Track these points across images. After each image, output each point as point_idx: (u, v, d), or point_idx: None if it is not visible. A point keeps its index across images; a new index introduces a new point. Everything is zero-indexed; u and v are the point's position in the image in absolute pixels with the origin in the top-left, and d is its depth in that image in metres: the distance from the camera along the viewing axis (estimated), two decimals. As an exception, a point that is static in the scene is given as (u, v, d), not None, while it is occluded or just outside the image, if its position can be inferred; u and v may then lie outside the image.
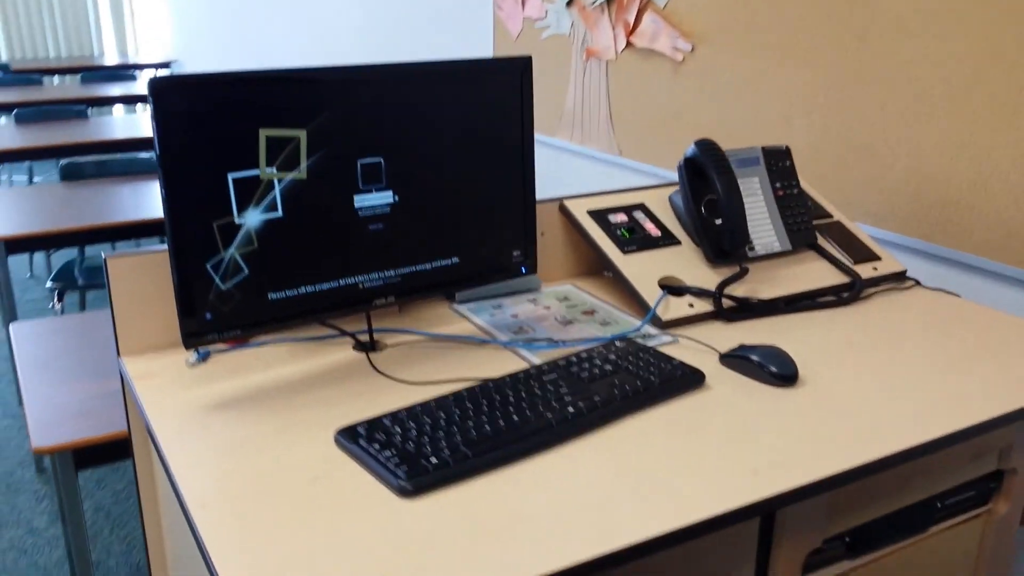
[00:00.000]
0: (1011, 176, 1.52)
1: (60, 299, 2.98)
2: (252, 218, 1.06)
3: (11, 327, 1.83)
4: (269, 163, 1.05)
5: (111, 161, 3.07)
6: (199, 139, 1.01)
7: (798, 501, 0.95)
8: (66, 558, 2.32)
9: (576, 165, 2.70)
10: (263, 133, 1.04)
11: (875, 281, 1.46)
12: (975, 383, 1.15)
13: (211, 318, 1.06)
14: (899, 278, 1.49)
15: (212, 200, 1.03)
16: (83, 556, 1.51)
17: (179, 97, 0.99)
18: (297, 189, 1.08)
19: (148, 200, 2.77)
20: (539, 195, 2.85)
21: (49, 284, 2.95)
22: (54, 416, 1.46)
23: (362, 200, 1.12)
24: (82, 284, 2.92)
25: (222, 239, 1.05)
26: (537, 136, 2.84)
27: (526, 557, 0.81)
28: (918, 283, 1.49)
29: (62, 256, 4.19)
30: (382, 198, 1.14)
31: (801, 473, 0.95)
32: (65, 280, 2.95)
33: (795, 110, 1.90)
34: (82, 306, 3.38)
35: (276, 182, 1.06)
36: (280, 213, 1.07)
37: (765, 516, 1.00)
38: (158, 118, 0.99)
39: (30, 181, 4.98)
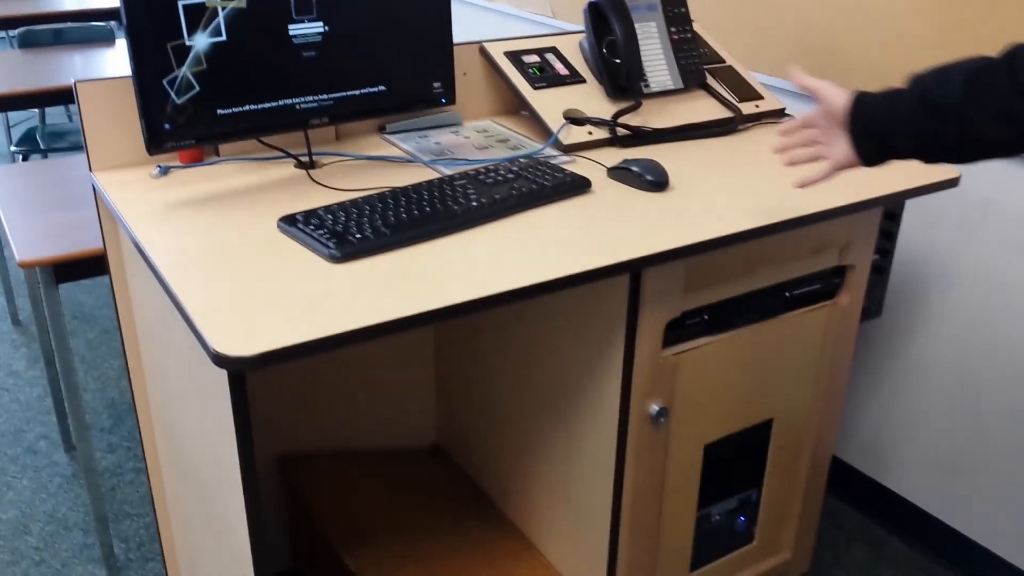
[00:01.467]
0: (880, 24, 1.72)
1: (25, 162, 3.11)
2: (200, 41, 1.23)
3: (-15, 171, 1.99)
4: (214, -8, 1.22)
5: (68, 30, 3.16)
6: (152, -31, 1.17)
7: (659, 264, 1.18)
8: (47, 394, 2.54)
9: (514, 29, 2.85)
10: (208, -35, 1.20)
11: (755, 116, 1.67)
12: (817, 189, 1.38)
13: (169, 128, 1.25)
14: (778, 114, 1.70)
15: (166, 24, 1.20)
16: (67, 365, 1.72)
17: (133, -69, 1.15)
18: (239, 16, 1.25)
19: (103, 67, 2.88)
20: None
21: (13, 148, 3.07)
22: (35, 237, 1.65)
23: (296, 28, 1.30)
24: (44, 148, 3.05)
25: (175, 58, 1.22)
26: (475, 1, 2.98)
27: (427, 299, 1.03)
28: (793, 118, 1.70)
29: (22, 128, 4.28)
30: (313, 27, 1.31)
31: (662, 243, 1.18)
32: (28, 145, 3.07)
33: (706, -30, 2.07)
34: (45, 174, 3.51)
35: (220, 9, 1.23)
36: (224, 37, 1.25)
37: (633, 277, 1.23)
38: (115, -50, 1.15)
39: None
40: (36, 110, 3.79)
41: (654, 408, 1.34)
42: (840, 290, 1.51)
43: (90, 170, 1.40)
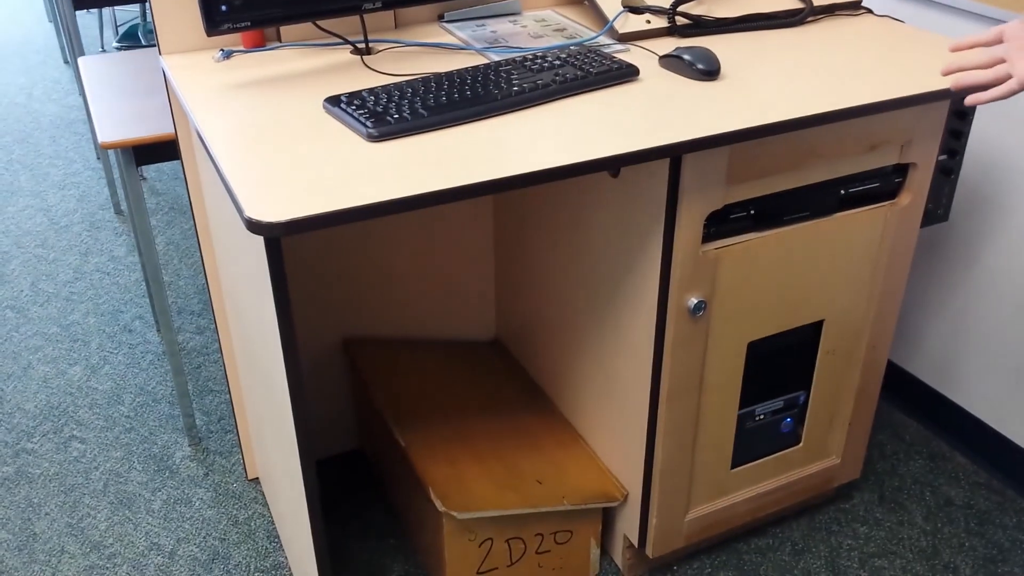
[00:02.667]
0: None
1: (127, 60, 3.24)
2: (254, -77, 1.26)
3: (80, 60, 2.09)
4: None
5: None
6: None
7: (699, 150, 1.17)
8: (143, 279, 2.71)
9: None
10: None
11: (828, 8, 1.60)
12: (877, 81, 1.32)
13: (226, 9, 1.29)
14: (853, 6, 1.62)
15: (220, -94, 1.23)
16: (146, 238, 1.83)
17: None
18: (292, -102, 1.27)
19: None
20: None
21: (115, 44, 3.21)
22: (117, 120, 1.74)
23: (348, -89, 1.31)
24: (144, 44, 3.17)
25: (230, -60, 1.25)
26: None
27: (456, 176, 1.06)
28: (870, 11, 1.62)
29: (127, 27, 4.45)
30: (366, -90, 1.32)
31: (704, 129, 1.17)
32: (130, 41, 3.20)
33: None
34: (148, 72, 3.65)
35: None
36: (278, -81, 1.27)
37: (672, 164, 1.22)
38: None
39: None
40: (137, 7, 3.92)
41: (692, 301, 1.34)
42: (900, 190, 1.46)
43: (159, 53, 1.47)
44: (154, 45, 3.22)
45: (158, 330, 2.45)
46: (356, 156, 1.11)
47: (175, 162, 2.91)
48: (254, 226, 0.98)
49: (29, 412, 2.15)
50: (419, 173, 1.06)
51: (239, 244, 1.28)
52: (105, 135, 1.70)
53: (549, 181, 1.09)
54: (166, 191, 3.25)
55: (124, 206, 3.13)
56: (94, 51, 4.53)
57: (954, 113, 1.45)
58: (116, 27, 3.88)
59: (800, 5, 1.58)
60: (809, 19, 1.57)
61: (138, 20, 3.43)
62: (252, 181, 1.05)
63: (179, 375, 2.01)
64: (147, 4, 3.43)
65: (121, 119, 1.76)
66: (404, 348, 1.90)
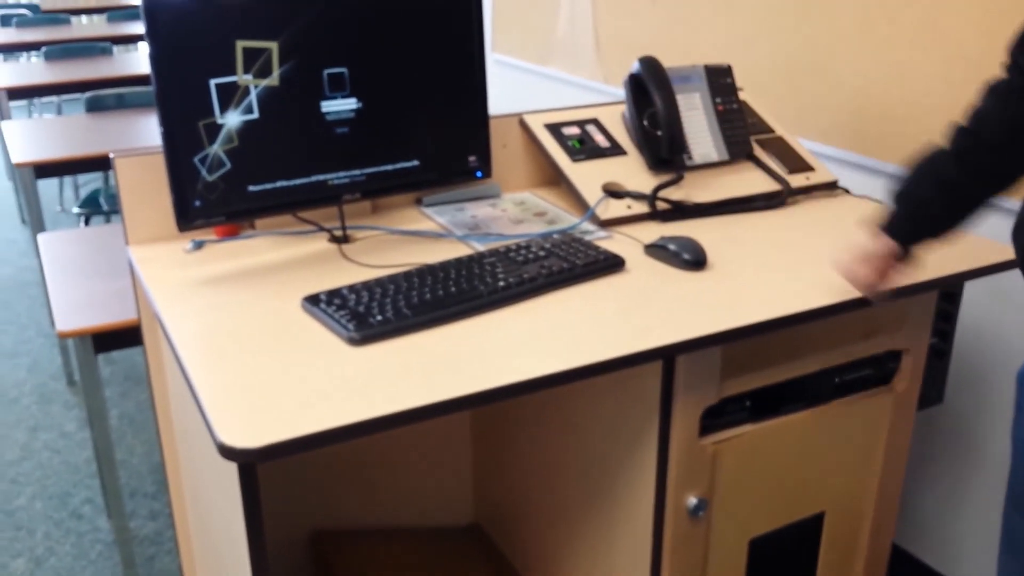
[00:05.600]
0: (938, 90, 1.65)
1: (87, 224, 3.19)
2: (232, 119, 1.23)
3: (39, 237, 2.03)
4: (246, 71, 1.22)
5: (132, 94, 3.26)
6: (185, 49, 1.18)
7: (691, 350, 1.12)
8: (94, 458, 2.56)
9: (566, 94, 2.84)
10: (239, 44, 1.21)
11: (806, 189, 1.60)
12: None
13: (200, 205, 1.24)
14: (830, 187, 1.63)
15: (198, 102, 1.21)
16: (99, 416, 1.72)
17: (167, 12, 1.16)
18: (271, 94, 1.25)
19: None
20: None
21: (76, 210, 3.16)
22: (76, 306, 1.66)
23: (329, 106, 1.29)
24: (106, 210, 3.13)
25: (207, 136, 1.22)
26: (529, 65, 2.98)
27: (444, 387, 0.99)
28: (847, 192, 1.63)
29: (88, 188, 4.42)
30: (347, 104, 1.30)
31: (696, 328, 1.12)
32: (91, 206, 3.16)
33: (759, 32, 2.03)
34: (109, 234, 3.59)
35: (252, 88, 1.23)
36: (256, 115, 1.24)
37: (665, 363, 1.17)
38: (150, 32, 1.16)
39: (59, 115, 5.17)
40: (101, 172, 3.90)
41: (692, 501, 1.26)
42: (895, 376, 1.42)
43: (126, 243, 1.41)
44: (116, 211, 3.18)
45: (109, 516, 2.29)
46: (338, 362, 1.04)
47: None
48: (228, 452, 0.90)
49: (-39, 616, 1.96)
50: (404, 384, 0.99)
51: (208, 452, 1.19)
52: (63, 321, 1.61)
53: (540, 390, 1.03)
54: (121, 358, 3.13)
55: (77, 376, 3.00)
56: (53, 210, 4.48)
57: (943, 296, 1.44)
58: (77, 189, 3.84)
59: (776, 187, 1.59)
60: (788, 201, 1.57)
61: (100, 185, 3.40)
62: (224, 398, 0.97)
63: (130, 568, 1.86)
64: (109, 170, 3.41)
65: (80, 303, 1.68)
66: (375, 539, 1.78)
